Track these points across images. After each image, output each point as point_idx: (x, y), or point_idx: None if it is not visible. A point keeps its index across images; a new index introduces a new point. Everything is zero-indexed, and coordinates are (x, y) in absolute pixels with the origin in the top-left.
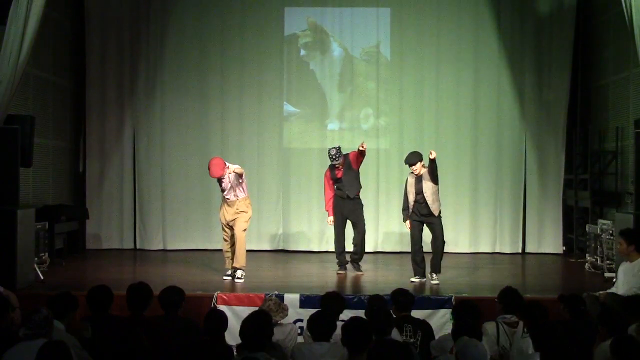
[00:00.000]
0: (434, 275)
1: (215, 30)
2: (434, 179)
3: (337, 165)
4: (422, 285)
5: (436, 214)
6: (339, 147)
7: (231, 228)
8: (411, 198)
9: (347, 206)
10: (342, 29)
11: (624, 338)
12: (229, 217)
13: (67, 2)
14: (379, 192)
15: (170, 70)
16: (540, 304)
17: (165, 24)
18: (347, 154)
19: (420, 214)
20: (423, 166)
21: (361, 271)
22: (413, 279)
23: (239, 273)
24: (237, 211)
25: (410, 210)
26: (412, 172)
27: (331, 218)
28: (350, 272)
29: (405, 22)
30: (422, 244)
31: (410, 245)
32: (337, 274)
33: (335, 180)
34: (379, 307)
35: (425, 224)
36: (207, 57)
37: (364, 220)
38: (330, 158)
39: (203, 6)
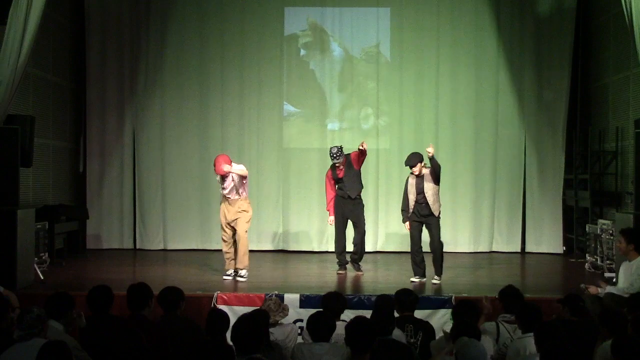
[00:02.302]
0: (436, 276)
1: (215, 30)
2: (436, 179)
3: (338, 165)
4: (422, 285)
5: (436, 214)
6: (341, 147)
7: (232, 228)
8: (412, 198)
9: (348, 206)
10: (342, 28)
11: (625, 338)
12: (230, 217)
13: (67, 2)
14: (379, 192)
15: (170, 70)
16: (534, 305)
17: (165, 24)
18: (349, 154)
19: (420, 215)
20: (424, 166)
21: (361, 271)
22: (413, 279)
23: (242, 272)
24: (239, 210)
25: (410, 211)
26: (413, 173)
27: (332, 218)
28: (350, 272)
29: (405, 22)
30: (422, 245)
31: (410, 245)
32: (337, 274)
33: (337, 180)
34: (383, 306)
35: (424, 225)
36: (207, 57)
37: (364, 220)
38: (331, 157)
39: (203, 6)
